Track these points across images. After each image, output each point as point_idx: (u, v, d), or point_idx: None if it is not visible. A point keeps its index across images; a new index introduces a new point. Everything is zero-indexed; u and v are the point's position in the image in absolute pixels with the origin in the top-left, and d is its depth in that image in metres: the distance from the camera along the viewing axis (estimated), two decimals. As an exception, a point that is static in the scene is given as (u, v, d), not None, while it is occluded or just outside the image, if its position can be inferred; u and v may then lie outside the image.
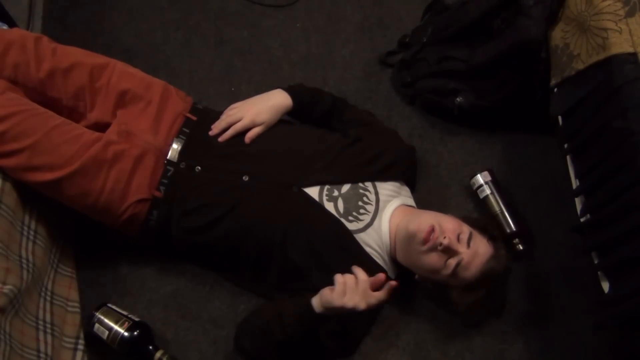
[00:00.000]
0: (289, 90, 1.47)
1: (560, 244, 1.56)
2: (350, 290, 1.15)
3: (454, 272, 1.27)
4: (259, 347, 1.31)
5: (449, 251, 1.27)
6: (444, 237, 1.26)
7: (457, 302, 1.34)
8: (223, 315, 1.45)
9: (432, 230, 1.27)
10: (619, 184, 1.21)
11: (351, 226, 1.33)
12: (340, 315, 1.20)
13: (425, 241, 1.27)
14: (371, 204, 1.36)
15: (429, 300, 1.46)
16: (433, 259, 1.28)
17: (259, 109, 1.41)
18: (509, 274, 1.41)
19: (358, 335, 1.41)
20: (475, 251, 1.29)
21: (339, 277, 1.16)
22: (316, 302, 1.20)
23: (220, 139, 1.38)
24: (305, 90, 1.50)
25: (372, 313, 1.39)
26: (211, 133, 1.39)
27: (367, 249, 1.34)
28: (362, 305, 1.14)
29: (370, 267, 1.33)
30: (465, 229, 1.31)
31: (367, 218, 1.35)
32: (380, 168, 1.41)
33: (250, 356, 1.36)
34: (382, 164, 1.41)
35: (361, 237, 1.34)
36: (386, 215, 1.37)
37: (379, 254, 1.35)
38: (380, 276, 1.19)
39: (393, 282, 1.19)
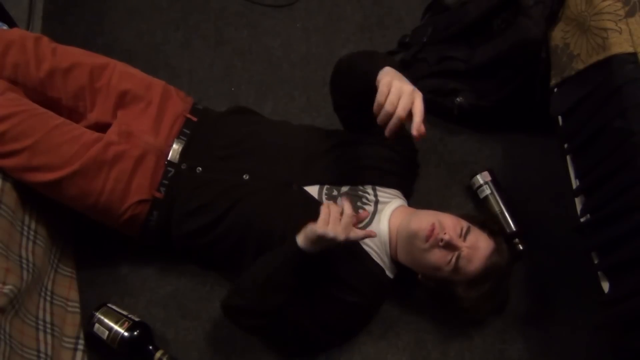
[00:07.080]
0: None
1: (560, 244, 1.55)
2: (333, 220, 1.15)
3: (456, 267, 1.28)
4: (247, 299, 1.26)
5: (450, 247, 1.27)
6: (445, 234, 1.26)
7: (462, 298, 1.33)
8: (223, 315, 1.45)
9: (434, 227, 1.27)
10: (619, 184, 1.21)
11: None
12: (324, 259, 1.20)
13: (427, 238, 1.27)
14: (370, 205, 1.36)
15: (432, 300, 1.45)
16: (436, 256, 1.28)
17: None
18: (512, 268, 1.41)
19: (342, 327, 1.39)
20: (474, 245, 1.29)
21: (324, 207, 1.17)
22: (300, 236, 1.20)
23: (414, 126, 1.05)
24: None
25: (363, 311, 1.39)
26: (416, 132, 1.04)
27: (366, 248, 1.34)
28: (341, 236, 1.15)
29: (370, 265, 1.34)
30: (464, 224, 1.31)
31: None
32: (381, 174, 1.41)
33: (239, 315, 1.31)
34: (382, 170, 1.41)
35: None
36: (385, 215, 1.37)
37: (377, 253, 1.35)
38: (365, 214, 1.25)
39: (372, 232, 1.23)
